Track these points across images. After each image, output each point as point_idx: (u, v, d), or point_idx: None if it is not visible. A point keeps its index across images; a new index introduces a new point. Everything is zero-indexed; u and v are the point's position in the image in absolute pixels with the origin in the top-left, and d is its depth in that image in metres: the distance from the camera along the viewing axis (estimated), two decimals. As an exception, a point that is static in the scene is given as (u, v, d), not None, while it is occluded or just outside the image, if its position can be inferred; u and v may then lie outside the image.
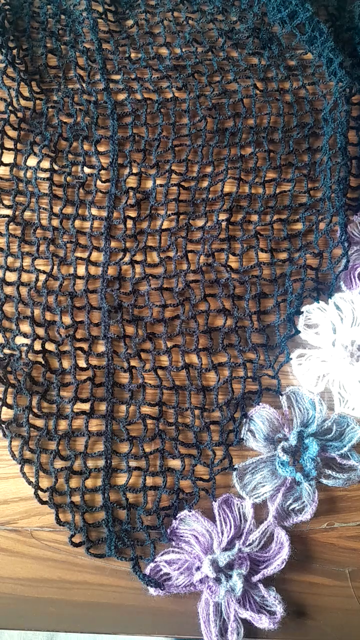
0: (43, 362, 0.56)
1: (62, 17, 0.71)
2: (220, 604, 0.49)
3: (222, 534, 0.51)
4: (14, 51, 0.67)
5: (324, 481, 0.53)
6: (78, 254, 0.61)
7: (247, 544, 0.52)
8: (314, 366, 0.57)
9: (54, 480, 0.53)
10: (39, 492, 0.53)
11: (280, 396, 0.56)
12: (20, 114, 0.65)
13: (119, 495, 0.53)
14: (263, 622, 0.48)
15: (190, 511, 0.53)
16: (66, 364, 0.57)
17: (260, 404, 0.55)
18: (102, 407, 0.56)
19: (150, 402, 0.56)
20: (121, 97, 0.67)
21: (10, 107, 0.64)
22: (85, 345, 0.57)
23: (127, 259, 0.60)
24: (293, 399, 0.56)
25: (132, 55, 0.69)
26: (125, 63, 0.69)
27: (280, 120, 0.66)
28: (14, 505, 0.53)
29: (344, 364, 0.54)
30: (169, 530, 0.52)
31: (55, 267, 0.60)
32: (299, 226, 0.62)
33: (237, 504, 0.53)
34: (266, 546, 0.52)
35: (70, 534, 0.52)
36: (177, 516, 0.53)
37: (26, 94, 0.66)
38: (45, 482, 0.54)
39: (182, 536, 0.52)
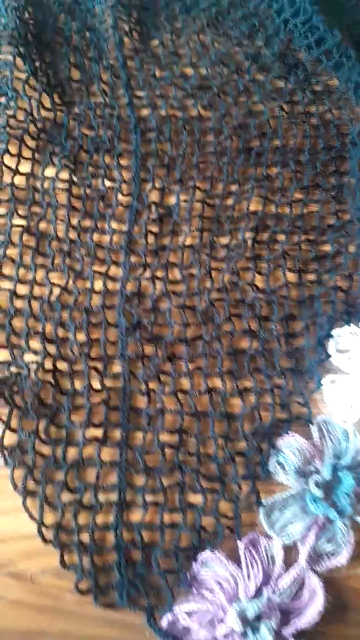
0: (53, 382, 0.47)
1: (87, 33, 0.67)
2: None
3: (249, 579, 0.43)
4: (37, 63, 0.63)
5: (360, 519, 0.42)
6: (95, 268, 0.53)
7: (276, 591, 0.43)
8: (347, 393, 0.49)
9: (60, 516, 0.44)
10: (43, 529, 0.44)
11: (310, 425, 0.49)
12: (40, 124, 0.59)
13: (133, 534, 0.44)
14: None
15: (213, 552, 0.44)
16: (78, 384, 0.49)
17: (289, 433, 0.47)
18: (117, 433, 0.48)
19: (169, 429, 0.48)
20: (145, 112, 0.61)
21: (30, 117, 0.57)
22: (100, 365, 0.49)
23: (147, 274, 0.53)
24: (324, 429, 0.49)
25: (157, 73, 0.65)
26: (149, 80, 0.64)
27: (307, 142, 0.61)
28: (13, 545, 0.44)
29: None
30: (188, 575, 0.43)
31: (71, 280, 0.53)
32: (327, 248, 0.55)
33: (265, 545, 0.44)
34: (296, 593, 0.44)
35: (76, 579, 0.43)
36: (198, 558, 0.44)
37: (47, 105, 0.60)
38: (50, 518, 0.45)
39: (203, 582, 0.44)
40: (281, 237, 0.55)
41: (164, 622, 0.42)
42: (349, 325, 0.52)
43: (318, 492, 0.45)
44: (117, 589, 0.43)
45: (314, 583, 0.43)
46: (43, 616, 0.42)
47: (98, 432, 0.47)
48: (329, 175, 0.59)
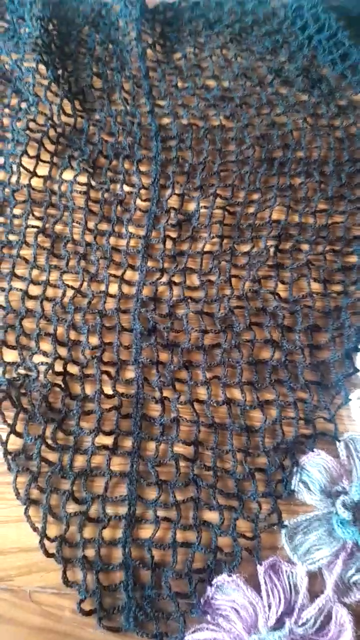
0: (63, 386, 0.45)
1: (110, 45, 0.68)
2: None
3: (270, 608, 0.39)
4: (59, 71, 0.63)
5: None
6: (111, 271, 0.52)
7: (300, 623, 0.39)
8: None
9: (64, 528, 0.41)
10: (45, 542, 0.40)
11: (337, 442, 0.45)
12: (60, 129, 0.58)
13: (142, 551, 0.41)
14: None
15: (230, 576, 0.40)
16: (89, 389, 0.46)
17: (314, 450, 0.43)
18: (128, 442, 0.45)
19: (184, 441, 0.45)
20: (166, 120, 0.60)
21: (50, 122, 0.57)
22: (112, 370, 0.47)
23: (164, 279, 0.51)
24: (352, 447, 0.45)
25: (179, 84, 0.65)
26: (171, 90, 0.64)
27: (331, 154, 0.59)
28: (12, 558, 0.41)
29: None
30: (202, 600, 0.40)
31: (85, 283, 0.51)
32: (353, 259, 0.53)
33: (287, 571, 0.40)
34: (322, 627, 0.40)
35: (79, 599, 0.39)
36: (213, 582, 0.40)
37: (68, 110, 0.59)
38: (53, 530, 0.41)
39: (218, 608, 0.40)
40: (305, 247, 0.53)
41: None
42: None
43: (346, 515, 0.42)
44: (123, 612, 0.39)
45: (342, 616, 0.40)
46: (41, 638, 0.38)
47: (108, 440, 0.44)
48: (355, 187, 0.58)
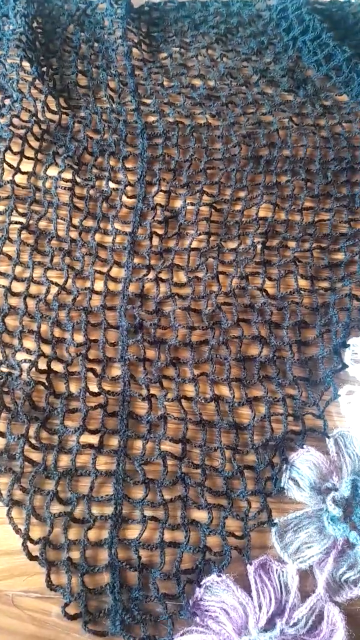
0: (46, 383, 0.43)
1: (96, 44, 0.68)
2: None
3: (260, 608, 0.38)
4: (44, 68, 0.63)
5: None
6: (96, 268, 0.51)
7: (291, 623, 0.38)
8: None
9: (48, 530, 0.40)
10: (28, 544, 0.39)
11: (326, 439, 0.45)
12: (44, 126, 0.58)
13: (129, 552, 0.40)
14: None
15: (220, 576, 0.39)
16: (74, 387, 0.45)
17: (304, 447, 0.43)
18: (114, 441, 0.44)
19: (172, 438, 0.44)
20: (152, 118, 0.60)
21: (34, 118, 0.56)
22: (98, 367, 0.46)
23: (151, 276, 0.50)
24: (342, 443, 0.45)
25: (165, 82, 0.65)
26: (157, 89, 0.64)
27: (317, 152, 0.59)
28: (-7, 561, 0.37)
29: None
30: (191, 601, 0.39)
31: (70, 279, 0.50)
32: (340, 256, 0.53)
33: (278, 570, 0.40)
34: (314, 626, 0.39)
35: (63, 603, 0.38)
36: (202, 582, 0.39)
37: (53, 107, 0.58)
38: (37, 532, 0.40)
39: (208, 610, 0.39)
40: (292, 244, 0.53)
41: None
42: None
43: (337, 511, 0.41)
44: (109, 615, 0.38)
45: (334, 615, 0.39)
46: (24, 644, 0.36)
47: (94, 439, 0.43)
48: (341, 185, 0.58)
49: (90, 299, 0.49)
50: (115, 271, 0.51)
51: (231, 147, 0.59)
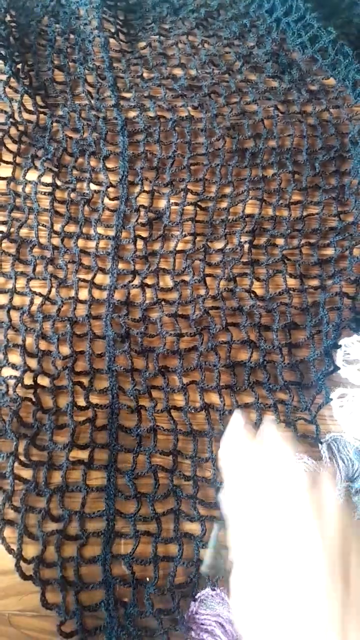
0: (34, 399, 0.43)
1: (72, 36, 0.65)
2: None
3: None
4: (19, 65, 0.61)
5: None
6: (80, 276, 0.50)
7: None
8: (358, 408, 0.44)
9: (41, 548, 0.40)
10: (22, 564, 0.39)
11: (319, 444, 0.44)
12: (21, 127, 0.56)
13: (122, 568, 0.40)
14: None
15: (214, 589, 0.39)
16: (62, 401, 0.45)
17: (296, 454, 0.43)
18: (104, 455, 0.44)
19: (162, 451, 0.44)
20: (132, 114, 0.59)
21: (11, 120, 0.54)
22: (85, 380, 0.46)
23: (136, 282, 0.49)
24: (335, 448, 0.44)
25: (145, 74, 0.63)
26: (137, 81, 0.62)
27: (304, 142, 0.58)
28: (-13, 582, 0.37)
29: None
30: (186, 616, 0.39)
31: (54, 289, 0.50)
32: (330, 251, 0.52)
33: None
34: None
35: (59, 621, 0.38)
36: (196, 596, 0.39)
37: (30, 107, 0.57)
38: (30, 551, 0.40)
39: (203, 623, 0.39)
40: (280, 241, 0.52)
41: None
42: (358, 334, 0.48)
43: None
44: (105, 631, 0.38)
45: None
46: (21, 665, 0.36)
47: (84, 454, 0.43)
48: (329, 176, 0.57)
49: (75, 308, 0.49)
50: (99, 278, 0.51)
51: (215, 141, 0.58)
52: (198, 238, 0.53)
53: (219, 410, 0.45)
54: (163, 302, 0.49)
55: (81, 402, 0.44)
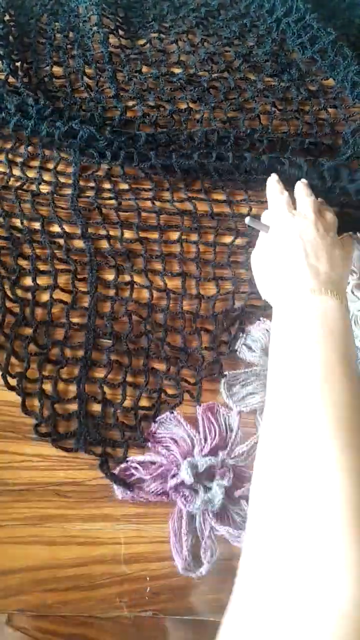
0: (11, 246, 0.61)
1: (71, 33, 0.83)
2: (196, 518, 0.50)
3: (205, 440, 0.57)
4: (17, 64, 0.75)
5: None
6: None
7: (232, 455, 0.54)
8: None
9: (25, 366, 0.56)
10: (8, 378, 0.53)
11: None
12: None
13: (95, 387, 0.56)
14: (242, 540, 0.48)
15: (172, 413, 0.55)
16: (40, 252, 0.61)
17: (261, 319, 0.60)
18: (85, 300, 0.60)
19: (138, 301, 0.61)
20: (131, 103, 0.74)
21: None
22: (61, 241, 0.63)
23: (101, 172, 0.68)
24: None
25: (144, 70, 0.82)
26: (136, 75, 0.79)
27: (298, 138, 0.72)
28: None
29: None
30: (146, 433, 0.54)
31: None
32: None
33: (224, 414, 0.57)
34: (252, 462, 0.52)
35: (35, 422, 0.51)
36: (157, 419, 0.55)
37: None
38: (16, 369, 0.55)
39: (160, 440, 0.54)
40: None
41: (117, 470, 0.50)
42: None
43: None
44: (75, 435, 0.51)
45: None
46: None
47: (66, 297, 0.60)
48: None
49: (39, 184, 0.64)
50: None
51: (210, 135, 0.74)
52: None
53: (196, 277, 0.60)
54: (140, 190, 0.66)
55: (61, 255, 0.62)
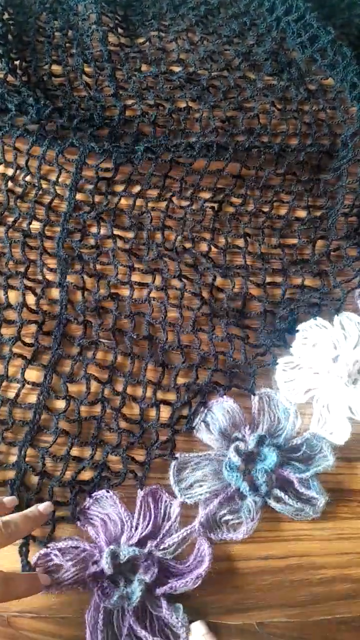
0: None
1: (70, 32, 0.78)
2: (113, 613, 0.46)
3: (136, 528, 0.50)
4: (16, 62, 0.72)
5: (272, 504, 0.50)
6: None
7: (161, 547, 0.49)
8: (302, 377, 0.55)
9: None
10: None
11: (252, 396, 0.55)
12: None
13: (37, 457, 0.50)
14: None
15: (109, 492, 0.51)
16: (13, 299, 0.59)
17: (224, 396, 0.55)
18: (46, 357, 0.55)
19: (100, 364, 0.56)
20: (131, 101, 0.70)
21: None
22: (38, 288, 0.59)
23: (92, 214, 0.61)
24: (266, 403, 0.57)
25: (144, 68, 0.77)
26: (135, 73, 0.75)
27: (297, 139, 0.68)
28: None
29: (338, 383, 0.55)
30: (78, 508, 0.50)
31: (12, 201, 0.63)
32: (293, 240, 0.62)
33: (166, 501, 0.52)
34: (184, 556, 0.49)
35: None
36: (92, 495, 0.51)
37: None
38: None
39: (91, 518, 0.50)
40: (244, 219, 0.62)
41: (36, 557, 0.46)
42: (315, 319, 0.57)
43: (236, 459, 0.51)
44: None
45: (203, 549, 0.48)
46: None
47: (27, 352, 0.56)
48: (309, 168, 0.64)
49: (30, 223, 0.62)
50: (56, 203, 0.64)
51: (208, 133, 0.68)
52: (164, 192, 0.65)
53: (161, 343, 0.57)
54: (117, 238, 0.63)
55: (31, 302, 0.58)
